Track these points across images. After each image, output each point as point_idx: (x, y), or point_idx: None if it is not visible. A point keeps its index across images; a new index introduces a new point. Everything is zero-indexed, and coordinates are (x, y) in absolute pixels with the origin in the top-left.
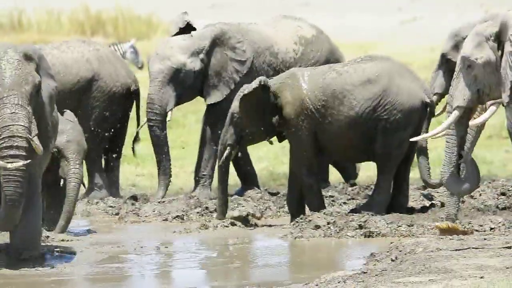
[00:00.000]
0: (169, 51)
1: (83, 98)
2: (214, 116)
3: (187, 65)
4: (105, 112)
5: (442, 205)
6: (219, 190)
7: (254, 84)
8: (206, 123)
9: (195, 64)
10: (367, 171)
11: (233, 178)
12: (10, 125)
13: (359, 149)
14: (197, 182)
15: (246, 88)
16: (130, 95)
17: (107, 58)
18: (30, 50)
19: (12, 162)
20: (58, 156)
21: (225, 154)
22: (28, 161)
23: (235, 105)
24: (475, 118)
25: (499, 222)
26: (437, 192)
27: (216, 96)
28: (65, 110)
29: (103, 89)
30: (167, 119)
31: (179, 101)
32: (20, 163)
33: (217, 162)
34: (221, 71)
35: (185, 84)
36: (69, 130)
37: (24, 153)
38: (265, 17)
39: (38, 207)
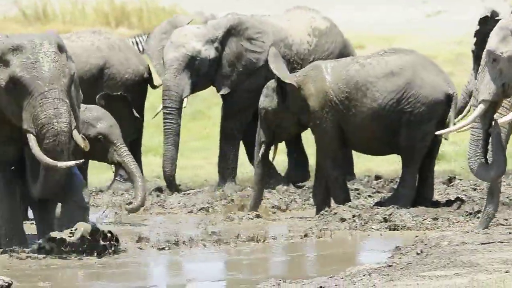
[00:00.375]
0: (184, 38)
1: (95, 86)
2: (229, 108)
3: (201, 53)
4: None
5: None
6: (256, 188)
7: (276, 78)
8: (223, 115)
9: (209, 52)
10: (392, 164)
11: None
12: (55, 122)
13: (383, 141)
14: (221, 175)
15: (272, 82)
16: (143, 83)
17: (118, 47)
18: (60, 39)
19: (59, 161)
20: (103, 142)
21: (260, 152)
22: (77, 161)
23: (262, 101)
24: (504, 115)
25: None
26: (463, 186)
27: (227, 87)
28: None
29: (114, 76)
30: (183, 105)
31: (194, 89)
32: (72, 163)
33: (255, 160)
34: (235, 61)
35: (200, 71)
36: (105, 116)
37: (67, 150)
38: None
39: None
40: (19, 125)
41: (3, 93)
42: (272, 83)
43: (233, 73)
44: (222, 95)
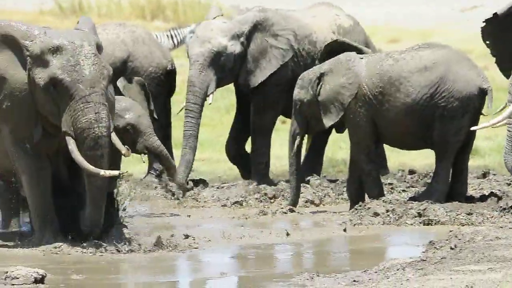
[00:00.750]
0: (210, 33)
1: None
2: (259, 103)
3: (227, 48)
4: None
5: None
6: (293, 180)
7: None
8: (254, 110)
9: (235, 47)
10: (426, 158)
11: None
12: (95, 127)
13: (417, 136)
14: (255, 169)
15: (308, 74)
16: (167, 76)
17: (142, 40)
18: (97, 38)
19: (100, 167)
20: (132, 133)
21: (296, 144)
22: (121, 172)
23: (297, 92)
24: None
25: None
26: (497, 181)
27: (251, 83)
28: None
29: (138, 69)
30: (209, 102)
31: (218, 85)
32: (116, 172)
33: (288, 153)
34: (260, 57)
35: (225, 67)
36: (134, 106)
37: (107, 154)
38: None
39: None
40: (55, 122)
41: (41, 92)
42: (307, 74)
43: (257, 68)
44: (252, 91)
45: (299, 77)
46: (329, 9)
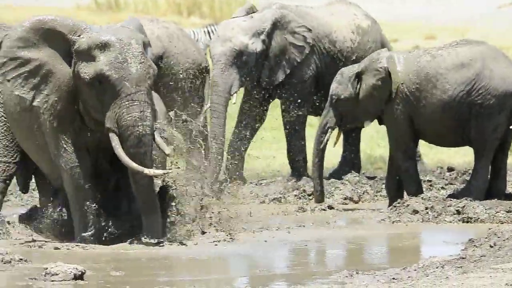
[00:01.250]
0: (230, 32)
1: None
2: (288, 100)
3: (249, 47)
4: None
5: None
6: (316, 175)
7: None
8: (283, 109)
9: (256, 45)
10: (465, 156)
11: (332, 162)
12: (140, 125)
13: (455, 133)
14: (292, 167)
15: (348, 70)
16: (202, 72)
17: (177, 36)
18: (145, 37)
19: (143, 165)
20: None
21: (326, 137)
22: (166, 171)
23: (335, 87)
24: None
25: None
26: None
27: (273, 80)
28: None
29: (174, 66)
30: (232, 102)
31: (242, 83)
32: (160, 172)
33: (314, 145)
34: (280, 54)
35: (248, 65)
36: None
37: (150, 153)
38: None
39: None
40: (97, 117)
41: (86, 87)
42: (347, 71)
43: (278, 66)
44: (278, 90)
45: (338, 72)
46: (347, 7)
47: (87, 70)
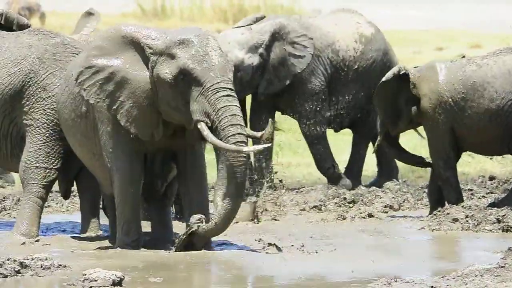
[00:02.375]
0: (226, 46)
1: None
2: (301, 113)
3: (244, 61)
4: None
5: None
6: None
7: (392, 72)
8: (299, 121)
9: (253, 60)
10: (507, 165)
11: (373, 170)
12: (229, 105)
13: (500, 142)
14: (326, 176)
15: (384, 76)
16: None
17: None
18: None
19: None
20: None
21: (377, 143)
22: (265, 145)
23: (376, 95)
24: None
25: None
26: None
27: (269, 91)
28: None
29: None
30: None
31: (238, 98)
32: (260, 147)
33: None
34: (279, 66)
35: (243, 80)
36: None
37: (245, 135)
38: None
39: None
40: (174, 118)
41: (168, 87)
42: (386, 78)
43: (276, 78)
44: (290, 104)
45: (381, 80)
46: (350, 16)
47: (168, 69)
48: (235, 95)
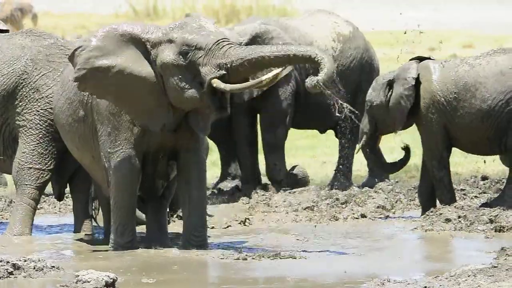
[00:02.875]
0: None
1: None
2: (265, 120)
3: None
4: None
5: None
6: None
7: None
8: (264, 128)
9: None
10: (500, 165)
11: (366, 170)
12: (236, 51)
13: (492, 142)
14: (274, 184)
15: (382, 77)
16: None
17: None
18: None
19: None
20: None
21: (361, 142)
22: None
23: (369, 93)
24: None
25: None
26: None
27: (246, 96)
28: None
29: None
30: None
31: None
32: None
33: (362, 150)
34: None
35: None
36: None
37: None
38: None
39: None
40: (184, 102)
41: (174, 68)
42: (381, 78)
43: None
44: (259, 108)
45: (375, 79)
46: (327, 16)
47: (169, 51)
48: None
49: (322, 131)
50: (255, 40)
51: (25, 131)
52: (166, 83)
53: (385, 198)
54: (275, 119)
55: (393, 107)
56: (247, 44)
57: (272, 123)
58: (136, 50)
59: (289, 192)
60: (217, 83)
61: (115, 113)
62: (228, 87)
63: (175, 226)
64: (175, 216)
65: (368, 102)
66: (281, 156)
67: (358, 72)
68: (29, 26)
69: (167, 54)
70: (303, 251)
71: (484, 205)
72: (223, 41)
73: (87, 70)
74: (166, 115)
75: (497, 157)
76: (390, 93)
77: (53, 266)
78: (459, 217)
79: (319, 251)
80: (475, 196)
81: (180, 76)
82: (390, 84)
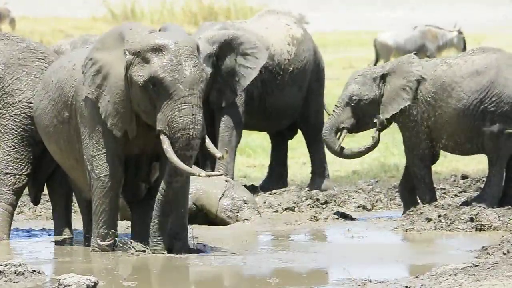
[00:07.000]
0: None
1: None
2: (226, 122)
3: None
4: None
5: None
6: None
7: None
8: (222, 130)
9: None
10: (479, 164)
11: (346, 170)
12: (191, 128)
13: (470, 141)
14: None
15: (370, 72)
16: None
17: None
18: (196, 41)
19: (190, 165)
20: None
21: (341, 139)
22: (217, 173)
23: (357, 88)
24: None
25: None
26: None
27: (222, 102)
28: None
29: None
30: None
31: None
32: (215, 173)
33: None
34: (229, 77)
35: None
36: None
37: (195, 157)
38: None
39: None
40: (147, 121)
41: (138, 89)
42: (370, 72)
43: (227, 88)
44: (220, 110)
45: (359, 73)
46: (278, 18)
47: (140, 72)
48: (200, 110)
49: (291, 137)
50: (224, 47)
51: (0, 136)
52: (131, 93)
53: (366, 197)
54: (234, 121)
55: (389, 99)
56: (217, 52)
57: (231, 126)
58: (119, 52)
59: (269, 193)
60: (163, 139)
61: (98, 116)
62: (167, 151)
63: None
64: None
65: (356, 97)
66: (233, 158)
67: (310, 73)
68: (7, 30)
69: (138, 74)
70: (284, 251)
71: (465, 204)
72: (186, 99)
73: (87, 59)
74: (129, 121)
75: (477, 156)
76: (383, 87)
77: (34, 271)
78: (440, 216)
79: (299, 251)
80: (455, 195)
81: (142, 99)
82: (383, 77)
